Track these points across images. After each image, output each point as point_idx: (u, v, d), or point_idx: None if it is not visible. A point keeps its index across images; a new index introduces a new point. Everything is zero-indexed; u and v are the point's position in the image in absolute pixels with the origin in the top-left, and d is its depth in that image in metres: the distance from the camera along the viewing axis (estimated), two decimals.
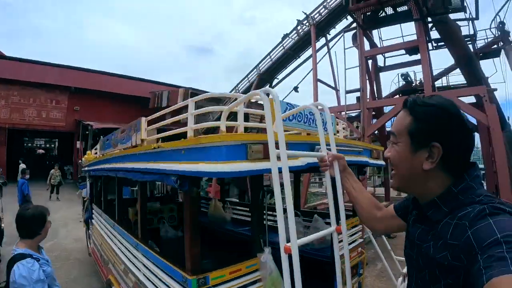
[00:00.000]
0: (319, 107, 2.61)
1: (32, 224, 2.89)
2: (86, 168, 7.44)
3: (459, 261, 1.04)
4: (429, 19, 11.71)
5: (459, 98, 10.19)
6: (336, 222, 2.16)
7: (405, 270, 3.62)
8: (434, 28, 12.58)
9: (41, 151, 39.57)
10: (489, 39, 15.18)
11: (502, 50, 14.88)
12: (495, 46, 15.08)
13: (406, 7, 11.30)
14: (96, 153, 7.36)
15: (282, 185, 1.69)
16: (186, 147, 2.28)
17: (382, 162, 4.02)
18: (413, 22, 11.60)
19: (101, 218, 5.81)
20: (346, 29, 14.52)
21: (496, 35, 15.09)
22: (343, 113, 12.71)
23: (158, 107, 28.90)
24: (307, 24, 16.80)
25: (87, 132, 22.98)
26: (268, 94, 1.93)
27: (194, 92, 29.07)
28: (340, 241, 2.18)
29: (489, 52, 14.80)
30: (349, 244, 3.84)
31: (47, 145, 43.45)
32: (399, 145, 1.29)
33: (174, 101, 28.22)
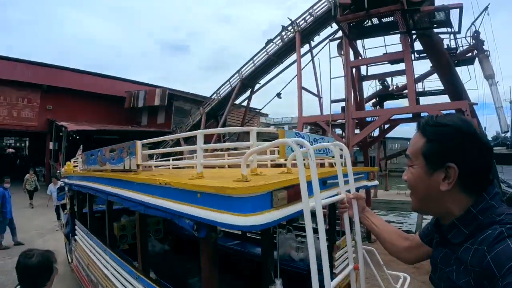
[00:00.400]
0: (338, 147, 2.49)
1: (37, 275, 2.42)
2: (66, 180, 7.13)
3: (483, 287, 1.02)
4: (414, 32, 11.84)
5: (442, 111, 10.35)
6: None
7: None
8: (417, 40, 12.74)
9: (11, 150, 38.48)
10: (464, 47, 15.58)
11: (477, 58, 15.37)
12: (470, 54, 15.56)
13: (392, 18, 11.38)
14: (76, 165, 7.06)
15: None
16: (203, 192, 2.11)
17: (376, 183, 4.10)
18: (396, 31, 11.76)
19: (88, 239, 5.54)
20: (332, 37, 14.53)
21: (471, 43, 15.52)
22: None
23: (134, 107, 28.52)
24: (292, 30, 16.78)
25: (61, 134, 22.28)
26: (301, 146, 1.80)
27: (172, 93, 28.82)
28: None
29: (464, 59, 15.19)
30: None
31: (17, 144, 42.25)
32: (415, 167, 1.29)
33: (151, 101, 27.94)
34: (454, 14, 10.94)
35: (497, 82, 19.02)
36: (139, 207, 3.05)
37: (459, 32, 12.46)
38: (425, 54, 13.46)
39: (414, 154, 1.29)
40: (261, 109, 25.66)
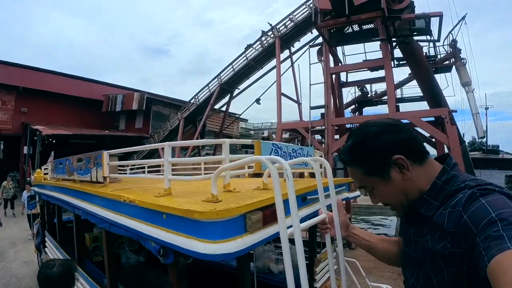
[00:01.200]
0: (319, 162, 2.32)
1: (59, 285, 2.42)
2: (36, 189, 6.82)
3: (460, 248, 1.06)
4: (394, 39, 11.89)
5: (421, 118, 10.43)
6: None
7: None
8: (397, 47, 12.81)
9: None
10: (442, 55, 15.81)
11: (454, 66, 15.64)
12: (447, 62, 15.82)
13: (372, 25, 11.39)
14: (46, 173, 6.76)
15: None
16: (169, 213, 1.90)
17: (358, 193, 3.97)
18: (376, 38, 11.79)
19: (58, 252, 5.27)
20: (312, 43, 14.50)
21: (449, 51, 15.77)
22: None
23: (111, 111, 28.05)
24: (272, 35, 16.70)
25: (35, 138, 21.65)
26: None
27: (150, 97, 28.43)
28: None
29: (442, 67, 15.41)
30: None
31: None
32: (375, 188, 1.34)
33: (129, 105, 27.54)
34: (434, 23, 11.01)
35: (474, 89, 19.37)
36: (104, 224, 2.83)
37: (438, 40, 12.61)
38: (405, 62, 13.56)
39: (363, 182, 1.36)
40: (240, 114, 25.53)
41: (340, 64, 14.15)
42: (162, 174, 2.57)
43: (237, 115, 27.85)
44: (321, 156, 4.35)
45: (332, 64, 12.93)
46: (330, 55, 12.71)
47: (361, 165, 1.31)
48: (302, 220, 2.38)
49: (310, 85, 12.30)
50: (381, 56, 11.65)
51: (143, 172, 8.43)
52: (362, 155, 1.28)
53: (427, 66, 12.73)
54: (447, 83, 15.96)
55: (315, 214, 2.22)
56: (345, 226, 1.88)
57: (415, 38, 11.87)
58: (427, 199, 1.25)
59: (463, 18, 17.09)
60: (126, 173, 7.45)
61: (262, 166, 2.44)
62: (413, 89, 16.60)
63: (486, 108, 36.68)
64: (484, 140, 30.79)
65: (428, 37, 12.17)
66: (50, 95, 25.77)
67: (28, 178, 11.26)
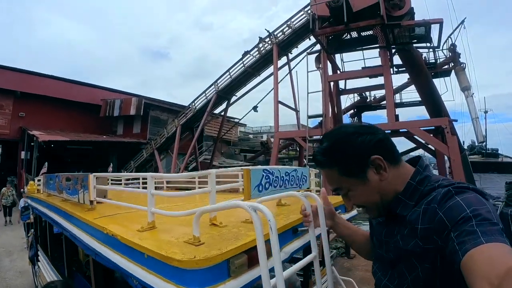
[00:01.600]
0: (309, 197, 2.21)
1: None
2: (29, 201, 6.72)
3: (433, 243, 1.09)
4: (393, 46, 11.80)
5: (421, 128, 10.34)
6: None
7: None
8: (396, 54, 12.72)
9: None
10: (441, 60, 15.76)
11: (453, 71, 15.59)
12: (447, 66, 15.86)
13: (371, 31, 11.31)
14: (39, 185, 6.66)
15: None
16: (150, 256, 1.80)
17: (354, 213, 3.85)
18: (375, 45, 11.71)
19: (49, 268, 5.15)
20: (310, 51, 14.43)
21: (448, 56, 15.72)
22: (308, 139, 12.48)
23: (109, 115, 27.95)
24: (270, 42, 16.57)
25: (32, 144, 21.54)
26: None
27: (148, 102, 28.33)
28: None
29: (441, 71, 15.38)
30: None
31: None
32: (352, 190, 1.32)
33: (127, 110, 27.44)
34: (433, 29, 10.92)
35: (473, 94, 19.38)
36: (90, 252, 2.74)
37: (438, 47, 12.52)
38: (404, 68, 13.47)
39: (341, 183, 1.33)
40: (239, 120, 25.41)
41: (338, 71, 14.05)
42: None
43: (235, 119, 27.70)
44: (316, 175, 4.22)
45: (330, 72, 12.84)
46: (328, 62, 12.62)
47: (338, 166, 1.29)
48: (294, 252, 2.30)
49: (308, 93, 12.18)
50: (380, 63, 11.60)
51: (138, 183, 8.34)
52: (340, 155, 1.28)
53: (427, 73, 12.64)
54: (446, 87, 15.91)
55: (306, 245, 2.11)
56: (331, 215, 1.87)
57: (415, 45, 11.79)
58: (402, 199, 1.26)
59: (462, 22, 17.11)
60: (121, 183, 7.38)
61: (251, 194, 2.33)
62: (412, 93, 16.56)
63: (485, 112, 36.55)
64: (484, 144, 30.73)
65: (428, 44, 12.08)
66: (48, 100, 25.63)
67: (22, 189, 11.06)
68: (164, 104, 30.87)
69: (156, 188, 2.40)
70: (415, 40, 10.89)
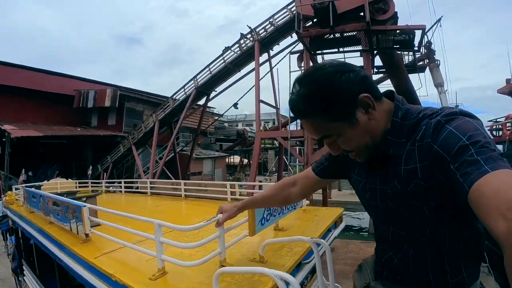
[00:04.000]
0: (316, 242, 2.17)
1: None
2: (8, 213, 6.45)
3: (434, 180, 1.05)
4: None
5: None
6: None
7: None
8: (377, 55, 12.83)
9: None
10: (416, 56, 16.10)
11: (427, 67, 15.93)
12: (422, 62, 16.15)
13: (354, 32, 11.33)
14: (18, 196, 6.43)
15: None
16: None
17: (343, 225, 3.90)
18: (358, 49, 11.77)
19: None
20: (292, 50, 14.36)
21: (423, 52, 16.05)
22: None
23: (83, 107, 27.20)
24: (251, 38, 16.40)
25: (4, 140, 20.80)
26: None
27: (123, 93, 27.68)
28: None
29: (416, 68, 15.68)
30: None
31: None
32: (341, 135, 1.19)
33: (101, 102, 26.77)
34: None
35: (446, 90, 19.80)
36: (87, 286, 2.62)
37: (418, 50, 12.66)
38: (384, 70, 13.62)
39: (328, 131, 1.19)
40: (220, 116, 25.08)
41: None
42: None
43: (213, 109, 27.26)
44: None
45: None
46: (310, 62, 12.60)
47: (325, 112, 1.13)
48: None
49: (290, 93, 12.11)
50: (361, 63, 11.63)
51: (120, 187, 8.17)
52: (325, 100, 1.11)
53: (406, 75, 12.82)
54: (421, 83, 16.16)
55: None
56: (236, 211, 1.98)
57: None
58: (391, 140, 1.18)
59: (439, 20, 17.38)
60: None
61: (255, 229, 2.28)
62: (388, 87, 16.80)
63: (456, 106, 37.51)
64: None
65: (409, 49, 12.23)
66: (18, 91, 24.67)
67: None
68: (139, 95, 30.17)
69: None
70: (398, 46, 10.98)
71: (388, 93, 1.25)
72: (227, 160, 36.46)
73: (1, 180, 20.30)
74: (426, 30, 16.15)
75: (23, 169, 9.19)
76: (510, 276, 0.74)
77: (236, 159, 39.46)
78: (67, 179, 22.32)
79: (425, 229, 1.18)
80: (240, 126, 51.08)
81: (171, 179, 22.18)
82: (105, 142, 25.01)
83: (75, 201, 3.29)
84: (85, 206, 3.10)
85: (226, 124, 49.22)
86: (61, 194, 4.27)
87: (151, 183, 7.17)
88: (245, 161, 37.97)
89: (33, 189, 5.03)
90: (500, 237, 0.75)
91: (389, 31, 10.47)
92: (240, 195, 5.57)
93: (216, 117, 27.22)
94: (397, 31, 10.38)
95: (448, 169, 0.96)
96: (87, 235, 3.02)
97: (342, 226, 3.85)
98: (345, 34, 11.97)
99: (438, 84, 17.98)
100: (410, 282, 1.29)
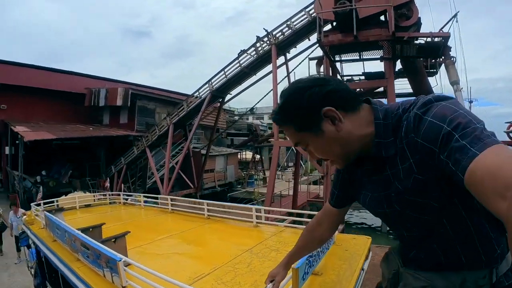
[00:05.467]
0: None
1: None
2: (29, 233, 6.29)
3: (431, 170, 1.06)
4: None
5: None
6: None
7: None
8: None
9: None
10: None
11: (443, 64, 15.56)
12: (435, 60, 15.73)
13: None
14: (36, 213, 6.28)
15: None
16: None
17: (369, 257, 3.75)
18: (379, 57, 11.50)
19: None
20: (311, 56, 14.05)
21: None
22: None
23: (94, 105, 27.18)
24: (268, 42, 16.07)
25: (17, 142, 20.87)
26: None
27: (135, 92, 27.56)
28: None
29: (430, 65, 15.33)
30: None
31: None
32: (309, 145, 1.29)
33: (113, 101, 26.74)
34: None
35: (462, 88, 19.36)
36: None
37: (440, 56, 12.31)
38: (404, 74, 13.30)
39: (299, 139, 1.30)
40: (236, 121, 24.88)
41: (338, 75, 13.76)
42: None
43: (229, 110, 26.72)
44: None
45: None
46: (330, 68, 12.32)
47: (292, 122, 1.26)
48: None
49: None
50: (378, 65, 11.42)
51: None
52: (291, 112, 1.24)
53: (427, 81, 12.49)
54: (436, 82, 15.69)
55: None
56: (284, 271, 2.03)
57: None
58: (380, 141, 1.20)
59: (455, 16, 16.95)
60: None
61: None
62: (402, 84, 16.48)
63: (470, 102, 36.77)
64: None
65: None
66: (29, 90, 24.75)
67: (19, 216, 9.82)
68: (150, 94, 30.18)
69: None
70: (422, 55, 10.64)
71: (366, 100, 1.28)
72: (239, 156, 36.24)
73: (16, 181, 20.39)
74: (441, 27, 15.91)
75: (41, 186, 9.04)
76: None
77: (248, 155, 39.23)
78: (81, 179, 22.43)
79: (441, 220, 1.19)
80: (250, 119, 50.61)
81: (184, 179, 22.17)
82: (118, 141, 25.04)
83: (109, 251, 3.09)
84: (120, 260, 2.91)
85: (236, 117, 48.84)
86: (85, 230, 4.06)
87: (171, 199, 6.98)
88: (257, 157, 37.78)
89: (56, 219, 4.80)
90: (503, 217, 0.77)
91: (412, 38, 10.16)
92: (266, 219, 5.37)
93: (232, 118, 26.94)
94: (425, 44, 10.05)
95: (439, 159, 0.97)
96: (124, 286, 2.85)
97: (369, 257, 3.69)
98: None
99: (454, 82, 17.51)
100: (443, 268, 1.27)
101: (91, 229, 4.13)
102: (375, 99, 1.26)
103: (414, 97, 1.17)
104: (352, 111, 1.21)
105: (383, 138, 1.19)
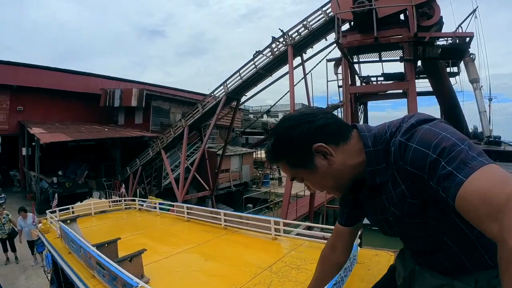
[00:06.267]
0: None
1: None
2: (44, 241, 6.22)
3: (424, 193, 1.07)
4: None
5: None
6: None
7: None
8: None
9: None
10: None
11: (462, 62, 15.13)
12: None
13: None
14: (51, 221, 6.21)
15: None
16: None
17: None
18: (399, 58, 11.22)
19: None
20: (329, 58, 13.77)
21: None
22: None
23: (109, 106, 27.35)
24: (284, 42, 15.76)
25: (33, 144, 21.12)
26: None
27: (149, 93, 27.59)
28: None
29: (449, 63, 14.94)
30: None
31: None
32: (305, 180, 1.31)
33: (128, 102, 26.86)
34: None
35: (481, 86, 18.88)
36: None
37: (464, 57, 11.94)
38: (425, 76, 12.96)
39: (293, 175, 1.33)
40: (253, 122, 24.66)
41: (356, 76, 13.46)
42: None
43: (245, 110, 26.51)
44: None
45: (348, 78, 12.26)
46: (348, 69, 12.04)
47: (285, 160, 1.29)
48: None
49: (328, 105, 11.64)
50: (402, 69, 11.09)
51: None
52: (283, 150, 1.26)
53: (449, 84, 12.12)
54: (456, 80, 15.24)
55: None
56: None
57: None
58: (373, 170, 1.21)
59: (474, 11, 16.45)
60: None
61: None
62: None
63: (490, 99, 35.81)
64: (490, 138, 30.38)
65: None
66: (45, 92, 25.11)
67: (34, 223, 9.68)
68: (165, 94, 30.18)
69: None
70: (445, 56, 10.29)
71: (353, 125, 1.30)
72: (254, 155, 36.08)
73: (33, 182, 20.58)
74: (460, 23, 15.49)
75: (56, 194, 8.96)
76: (502, 269, 0.75)
77: (263, 154, 39.01)
78: (96, 179, 22.53)
79: (443, 235, 1.20)
80: (265, 117, 50.29)
81: (199, 180, 22.11)
82: (133, 141, 25.15)
83: (126, 275, 2.96)
84: (137, 286, 2.77)
85: (251, 116, 48.57)
86: (100, 246, 3.93)
87: (188, 208, 6.84)
88: None
89: (71, 232, 4.69)
90: (495, 238, 0.78)
91: (434, 38, 9.82)
92: (284, 232, 5.20)
93: (247, 117, 26.78)
94: (448, 39, 9.70)
95: (430, 185, 0.98)
96: None
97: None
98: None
99: (473, 80, 17.18)
100: (451, 275, 1.27)
101: (106, 245, 4.03)
102: (362, 124, 1.28)
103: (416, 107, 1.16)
104: (343, 142, 1.23)
105: (375, 166, 1.20)
